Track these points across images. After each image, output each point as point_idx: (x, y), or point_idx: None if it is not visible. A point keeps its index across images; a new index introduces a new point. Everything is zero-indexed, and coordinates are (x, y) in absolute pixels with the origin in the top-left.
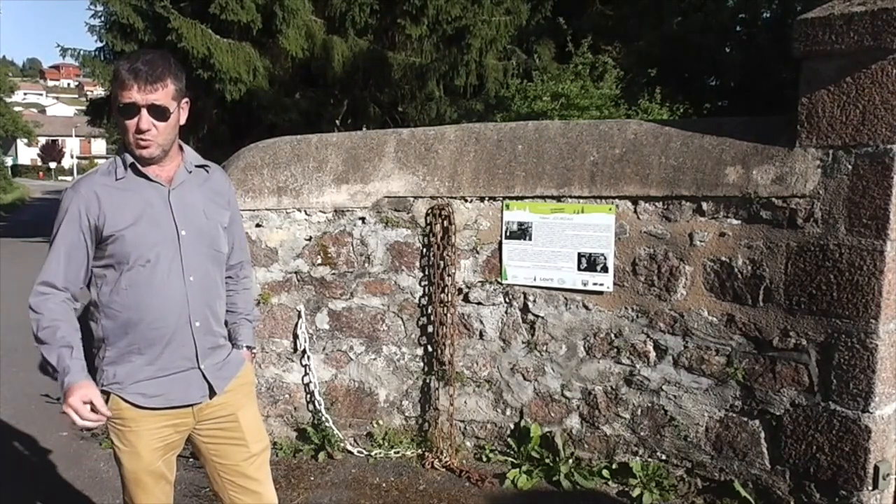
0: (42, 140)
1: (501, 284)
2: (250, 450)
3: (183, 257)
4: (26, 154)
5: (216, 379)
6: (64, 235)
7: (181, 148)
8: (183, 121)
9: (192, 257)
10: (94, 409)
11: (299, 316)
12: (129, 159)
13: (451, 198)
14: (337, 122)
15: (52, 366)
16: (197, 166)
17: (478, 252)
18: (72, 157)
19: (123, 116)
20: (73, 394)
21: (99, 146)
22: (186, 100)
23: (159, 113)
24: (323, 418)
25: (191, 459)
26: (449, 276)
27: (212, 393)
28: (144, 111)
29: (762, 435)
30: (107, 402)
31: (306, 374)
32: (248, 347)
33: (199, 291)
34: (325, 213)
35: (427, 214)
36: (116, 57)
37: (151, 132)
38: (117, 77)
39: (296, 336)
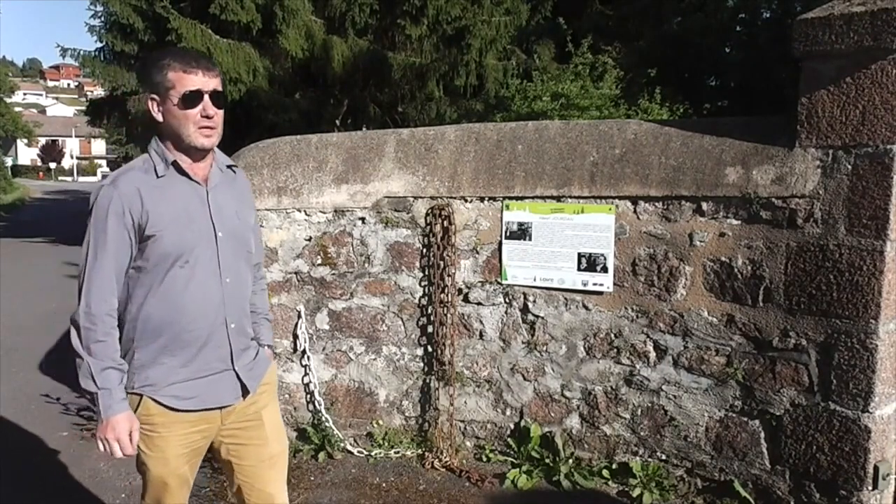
0: (42, 140)
1: (501, 284)
2: (270, 450)
3: (220, 258)
4: (26, 154)
5: (249, 379)
6: (110, 235)
7: None
8: None
9: (229, 258)
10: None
11: (299, 316)
12: (171, 157)
13: (451, 198)
14: (337, 122)
15: (94, 381)
16: (227, 166)
17: (478, 252)
18: (72, 157)
19: (186, 105)
20: (119, 425)
21: (99, 146)
22: None
23: (219, 99)
24: (323, 418)
25: None
26: (449, 276)
27: (244, 393)
28: (208, 97)
29: (762, 435)
30: (137, 404)
31: (306, 374)
32: (269, 346)
33: (234, 293)
34: (325, 213)
35: (427, 214)
36: (116, 57)
37: (216, 118)
38: (174, 67)
39: (296, 336)
